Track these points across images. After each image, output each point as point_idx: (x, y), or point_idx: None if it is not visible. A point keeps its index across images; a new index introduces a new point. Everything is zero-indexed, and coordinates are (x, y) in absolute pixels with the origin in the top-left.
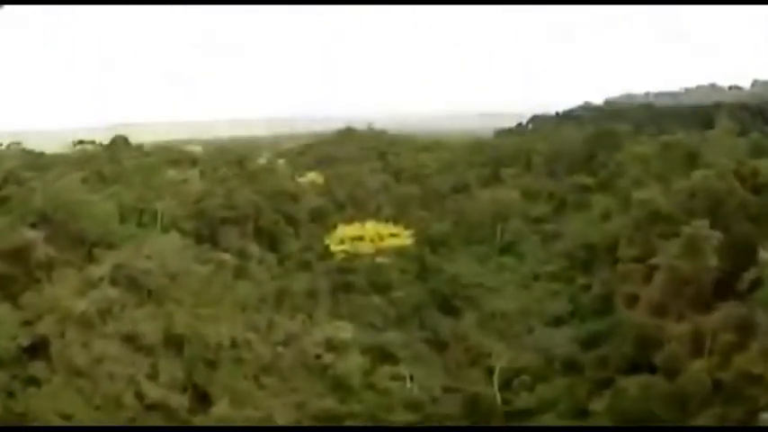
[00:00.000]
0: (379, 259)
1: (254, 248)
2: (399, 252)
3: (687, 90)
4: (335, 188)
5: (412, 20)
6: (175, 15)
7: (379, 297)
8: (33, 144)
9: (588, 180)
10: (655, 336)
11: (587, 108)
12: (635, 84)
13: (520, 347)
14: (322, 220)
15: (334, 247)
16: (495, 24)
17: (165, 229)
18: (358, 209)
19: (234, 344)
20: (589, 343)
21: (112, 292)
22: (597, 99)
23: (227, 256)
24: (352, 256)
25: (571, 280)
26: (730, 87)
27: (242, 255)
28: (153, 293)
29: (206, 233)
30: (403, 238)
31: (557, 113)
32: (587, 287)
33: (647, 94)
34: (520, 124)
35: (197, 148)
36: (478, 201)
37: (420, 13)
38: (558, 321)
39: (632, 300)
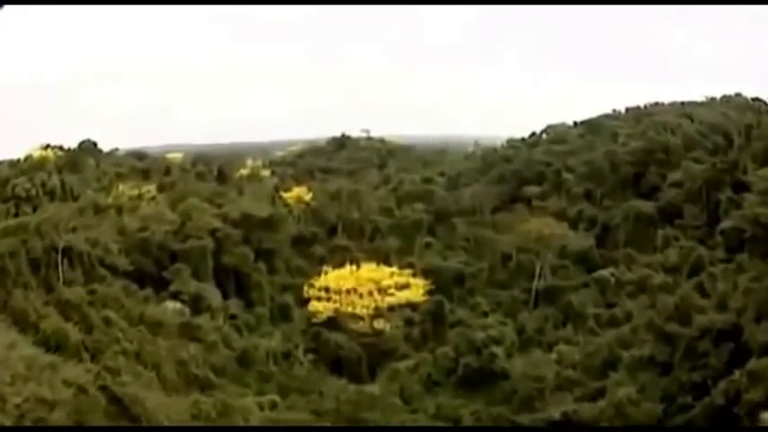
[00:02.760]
0: (380, 324)
1: (212, 293)
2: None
3: (712, 100)
4: (325, 207)
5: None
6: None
7: (378, 375)
8: None
9: (646, 206)
10: None
11: (614, 117)
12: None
13: None
14: (306, 252)
15: (317, 303)
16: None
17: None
18: (352, 235)
19: None
20: None
21: None
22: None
23: (174, 305)
24: (342, 317)
25: (665, 371)
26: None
27: (196, 302)
28: None
29: (150, 272)
30: (415, 289)
31: (575, 123)
32: (696, 387)
33: (681, 104)
34: (533, 134)
35: (177, 155)
36: (499, 227)
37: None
38: None
39: None
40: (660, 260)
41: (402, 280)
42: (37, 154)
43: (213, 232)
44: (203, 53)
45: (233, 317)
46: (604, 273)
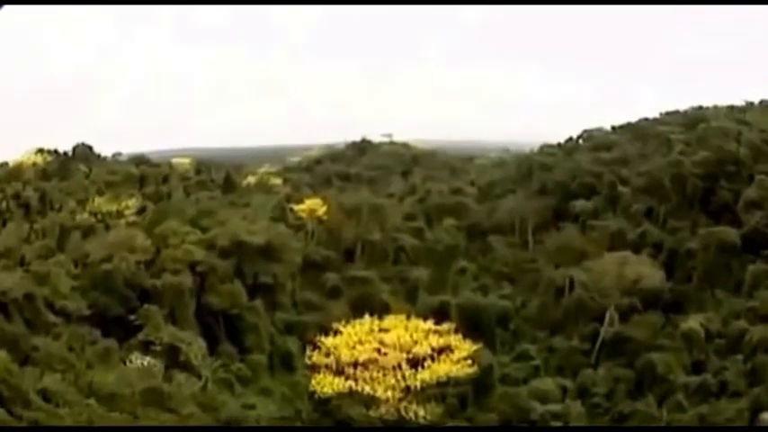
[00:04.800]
0: (410, 410)
1: (193, 342)
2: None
3: (752, 105)
4: (342, 225)
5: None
6: None
7: None
8: None
9: (730, 234)
10: None
11: (660, 122)
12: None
13: None
14: (316, 281)
15: (323, 379)
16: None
17: None
18: (372, 260)
19: None
20: None
21: None
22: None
23: (143, 360)
24: (359, 398)
25: None
26: None
27: (173, 354)
28: None
29: (115, 315)
30: (457, 354)
31: (613, 127)
32: None
33: (730, 108)
34: (570, 139)
35: (185, 160)
36: (548, 252)
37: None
38: None
39: None
40: (754, 306)
41: (440, 342)
42: (14, 162)
43: (194, 265)
44: (221, 56)
45: (222, 368)
46: (694, 325)
